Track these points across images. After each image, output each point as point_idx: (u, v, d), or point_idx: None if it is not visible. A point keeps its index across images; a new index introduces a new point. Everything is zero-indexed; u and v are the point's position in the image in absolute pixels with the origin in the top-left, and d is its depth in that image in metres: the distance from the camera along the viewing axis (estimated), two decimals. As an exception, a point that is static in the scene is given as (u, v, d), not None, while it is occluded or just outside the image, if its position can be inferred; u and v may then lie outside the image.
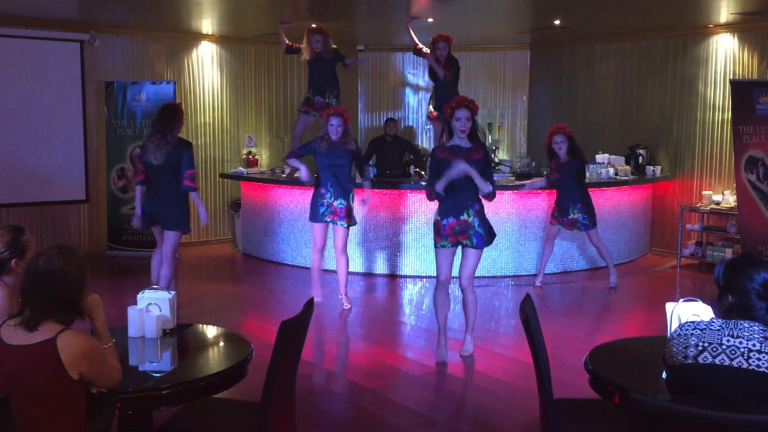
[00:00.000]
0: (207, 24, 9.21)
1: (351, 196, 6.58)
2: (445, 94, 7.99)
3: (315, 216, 6.56)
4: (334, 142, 6.44)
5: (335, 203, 6.47)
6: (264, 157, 10.54)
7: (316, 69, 8.09)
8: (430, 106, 8.33)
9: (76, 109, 9.11)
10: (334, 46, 8.07)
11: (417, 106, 11.45)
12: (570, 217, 7.30)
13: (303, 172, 6.78)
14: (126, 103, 9.18)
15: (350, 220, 6.55)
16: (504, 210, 7.94)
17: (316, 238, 6.66)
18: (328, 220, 6.51)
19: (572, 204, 7.27)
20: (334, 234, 6.59)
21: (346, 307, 6.66)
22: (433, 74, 8.23)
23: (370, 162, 9.86)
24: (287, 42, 8.23)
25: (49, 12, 8.33)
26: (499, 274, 8.05)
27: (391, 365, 5.31)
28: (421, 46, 8.25)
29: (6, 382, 2.49)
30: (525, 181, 7.94)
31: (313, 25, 8.02)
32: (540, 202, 8.04)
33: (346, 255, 6.67)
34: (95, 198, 9.33)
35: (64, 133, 9.03)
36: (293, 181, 8.42)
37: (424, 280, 7.94)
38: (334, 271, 6.94)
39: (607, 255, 7.50)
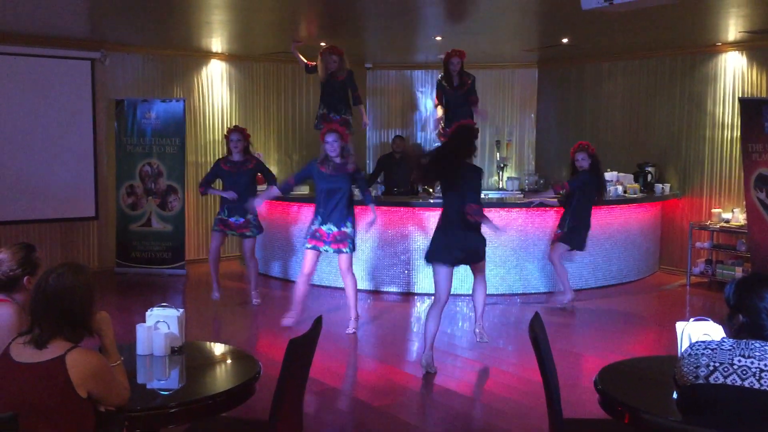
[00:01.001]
0: (216, 42, 9.28)
1: (349, 221, 6.31)
2: (455, 111, 8.02)
3: (304, 240, 6.50)
4: (334, 162, 6.28)
5: (323, 228, 6.30)
6: (272, 175, 10.56)
7: (329, 89, 8.08)
8: (441, 123, 8.30)
9: (86, 127, 9.17)
10: (349, 68, 8.07)
11: (425, 124, 11.47)
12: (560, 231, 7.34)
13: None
14: (136, 120, 9.24)
15: (344, 246, 6.28)
16: (512, 227, 7.93)
17: (304, 262, 6.48)
18: (309, 246, 6.34)
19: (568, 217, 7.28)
20: (338, 256, 6.41)
21: (349, 332, 6.46)
22: (439, 94, 8.24)
23: (378, 180, 9.87)
24: (305, 61, 8.24)
25: (61, 31, 8.42)
26: (507, 292, 8.02)
27: (398, 383, 5.29)
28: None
29: (15, 399, 2.49)
30: (534, 199, 7.93)
31: (326, 45, 8.02)
32: (548, 219, 8.02)
33: (353, 276, 6.42)
34: (104, 215, 9.37)
35: (74, 151, 9.09)
36: (303, 199, 8.45)
37: (433, 298, 7.90)
38: (343, 289, 6.82)
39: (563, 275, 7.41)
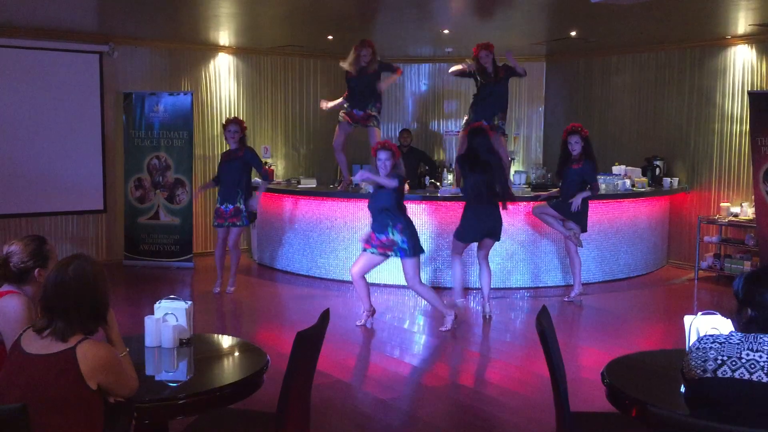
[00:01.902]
0: (224, 36, 9.28)
1: (395, 229, 6.14)
2: (494, 102, 7.94)
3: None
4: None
5: (375, 233, 6.20)
6: (280, 168, 10.59)
7: (360, 83, 7.92)
8: (467, 117, 8.23)
9: (94, 120, 9.20)
10: (379, 59, 8.00)
11: (432, 117, 11.46)
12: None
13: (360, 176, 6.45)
14: (144, 114, 9.26)
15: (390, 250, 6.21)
16: (519, 221, 7.92)
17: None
18: (364, 249, 6.29)
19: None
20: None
21: (359, 323, 6.52)
22: (482, 77, 8.02)
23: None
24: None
25: (69, 24, 8.44)
26: (514, 286, 8.02)
27: (405, 376, 5.30)
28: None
29: (25, 391, 2.50)
30: (541, 193, 7.91)
31: (360, 40, 7.94)
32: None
33: (419, 285, 6.30)
34: (113, 208, 9.40)
35: (82, 144, 9.12)
36: (308, 192, 8.45)
37: (439, 291, 7.92)
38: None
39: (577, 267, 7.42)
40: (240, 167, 7.53)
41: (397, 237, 6.09)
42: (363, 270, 6.33)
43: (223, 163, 7.64)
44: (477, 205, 6.68)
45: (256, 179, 8.11)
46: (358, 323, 6.52)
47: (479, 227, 6.72)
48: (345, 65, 7.98)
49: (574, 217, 7.20)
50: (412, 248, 6.11)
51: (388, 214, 6.09)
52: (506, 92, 8.13)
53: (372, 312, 6.52)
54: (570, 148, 7.13)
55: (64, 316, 2.56)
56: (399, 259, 6.19)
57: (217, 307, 7.31)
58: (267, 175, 7.87)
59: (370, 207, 6.29)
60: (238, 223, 7.56)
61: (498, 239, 6.84)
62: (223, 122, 7.75)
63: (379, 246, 6.17)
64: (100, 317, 2.66)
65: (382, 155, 6.01)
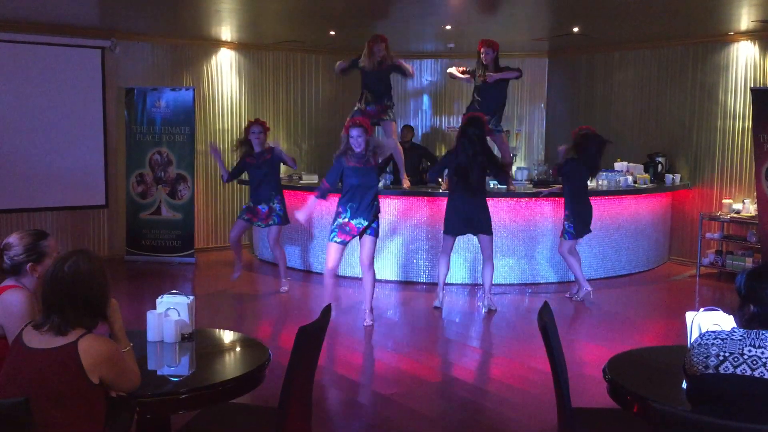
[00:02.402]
0: (226, 31, 9.27)
1: (374, 209, 6.21)
2: (489, 98, 7.96)
3: (329, 235, 6.34)
4: (359, 155, 6.13)
5: (353, 222, 6.16)
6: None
7: (374, 78, 7.87)
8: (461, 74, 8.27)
9: (96, 115, 9.20)
10: (392, 55, 7.95)
11: (434, 113, 11.45)
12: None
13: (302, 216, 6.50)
14: (146, 109, 9.26)
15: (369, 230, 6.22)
16: (520, 217, 7.92)
17: (329, 257, 6.31)
18: (338, 240, 6.20)
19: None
20: (360, 247, 6.29)
21: (367, 324, 6.42)
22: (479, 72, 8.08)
23: (387, 169, 9.85)
24: (342, 68, 8.16)
25: (71, 19, 8.43)
26: (516, 282, 8.02)
27: (407, 372, 5.30)
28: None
29: (27, 385, 2.51)
30: (543, 190, 7.90)
31: (374, 35, 7.91)
32: (557, 210, 8.00)
33: (373, 270, 6.34)
34: (114, 203, 9.41)
35: (84, 139, 9.12)
36: (310, 187, 8.43)
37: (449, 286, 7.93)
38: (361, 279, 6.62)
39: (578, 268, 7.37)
40: (270, 169, 7.52)
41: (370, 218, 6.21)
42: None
43: (251, 169, 7.53)
44: (456, 195, 6.70)
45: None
46: (366, 323, 6.44)
47: (457, 218, 6.74)
48: (360, 61, 7.92)
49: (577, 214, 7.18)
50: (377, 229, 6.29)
51: (375, 195, 6.21)
52: (503, 90, 8.10)
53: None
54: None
55: (59, 311, 2.58)
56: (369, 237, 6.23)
57: (219, 302, 7.32)
58: (294, 163, 7.78)
59: (351, 186, 6.18)
60: (271, 222, 7.54)
61: (487, 233, 6.76)
62: (245, 125, 7.72)
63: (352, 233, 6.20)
64: (97, 313, 2.66)
65: (354, 132, 6.06)
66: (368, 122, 6.30)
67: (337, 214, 6.23)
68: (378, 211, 6.29)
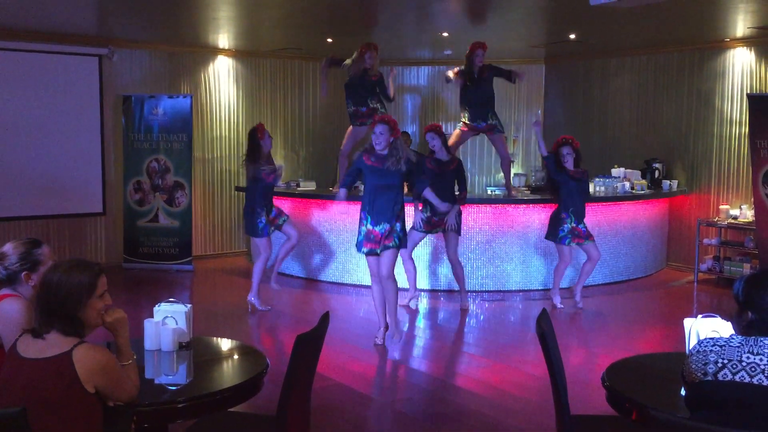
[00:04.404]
0: (223, 38, 9.28)
1: (398, 217, 5.80)
2: (473, 100, 7.98)
3: (357, 246, 5.94)
4: (383, 156, 5.71)
5: (376, 228, 5.77)
6: (279, 171, 10.57)
7: (360, 85, 7.87)
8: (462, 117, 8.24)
9: (93, 123, 9.20)
10: (380, 70, 7.94)
11: (431, 120, 11.46)
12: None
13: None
14: (143, 116, 9.26)
15: (390, 241, 5.76)
16: (518, 223, 7.91)
17: (370, 268, 5.96)
18: (365, 251, 5.83)
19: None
20: (380, 257, 5.85)
21: (396, 339, 6.08)
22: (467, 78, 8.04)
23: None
24: (329, 59, 8.16)
25: (68, 27, 8.44)
26: (513, 289, 8.01)
27: (405, 379, 5.29)
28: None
29: (23, 394, 2.50)
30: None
31: (366, 42, 7.91)
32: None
33: (393, 281, 5.90)
34: (112, 211, 9.40)
35: (81, 147, 9.12)
36: (305, 194, 8.43)
37: (438, 293, 7.92)
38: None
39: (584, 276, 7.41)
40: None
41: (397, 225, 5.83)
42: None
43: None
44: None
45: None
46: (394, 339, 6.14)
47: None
48: (347, 61, 7.94)
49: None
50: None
51: (397, 196, 5.79)
52: (491, 90, 8.09)
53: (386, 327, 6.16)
54: (563, 161, 7.07)
55: (49, 321, 2.58)
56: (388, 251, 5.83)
57: (216, 311, 7.30)
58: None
59: (371, 186, 5.78)
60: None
61: (456, 232, 6.93)
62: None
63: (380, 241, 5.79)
64: (69, 324, 2.60)
65: (378, 128, 5.69)
66: (395, 123, 5.83)
67: (360, 222, 5.87)
68: (402, 213, 5.84)
